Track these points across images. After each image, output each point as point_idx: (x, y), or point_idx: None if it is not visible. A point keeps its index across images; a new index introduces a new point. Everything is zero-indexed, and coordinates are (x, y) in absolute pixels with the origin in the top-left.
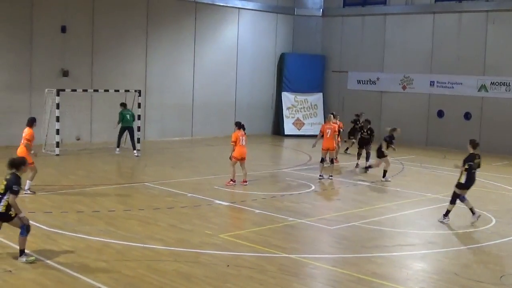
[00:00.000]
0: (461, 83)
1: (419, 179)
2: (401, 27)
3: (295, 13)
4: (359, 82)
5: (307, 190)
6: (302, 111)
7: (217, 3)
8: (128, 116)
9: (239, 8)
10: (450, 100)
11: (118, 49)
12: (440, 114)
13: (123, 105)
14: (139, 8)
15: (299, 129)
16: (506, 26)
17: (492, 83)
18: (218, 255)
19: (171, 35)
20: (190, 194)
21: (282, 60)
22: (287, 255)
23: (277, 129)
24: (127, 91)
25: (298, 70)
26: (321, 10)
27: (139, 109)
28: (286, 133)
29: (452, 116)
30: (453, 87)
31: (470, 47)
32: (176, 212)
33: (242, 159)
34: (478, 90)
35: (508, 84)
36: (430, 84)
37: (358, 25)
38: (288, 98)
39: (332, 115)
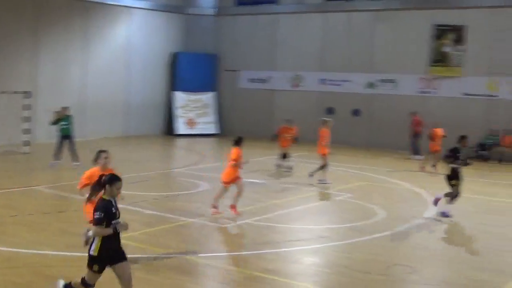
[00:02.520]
0: (350, 81)
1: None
2: (292, 26)
3: (188, 12)
4: (251, 81)
5: (199, 190)
6: (195, 110)
7: (107, 2)
8: (65, 124)
9: (130, 7)
10: (339, 97)
11: (6, 50)
12: (330, 111)
13: (60, 112)
14: (28, 8)
15: (191, 129)
16: (393, 25)
17: (379, 80)
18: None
19: (62, 35)
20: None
21: (174, 59)
22: (180, 255)
23: (169, 129)
24: (15, 92)
25: (191, 69)
26: (214, 9)
27: (28, 110)
28: (178, 132)
29: (341, 113)
30: (342, 85)
31: (359, 45)
32: (67, 216)
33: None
34: (366, 87)
35: (394, 81)
36: (320, 82)
37: (251, 24)
38: (180, 97)
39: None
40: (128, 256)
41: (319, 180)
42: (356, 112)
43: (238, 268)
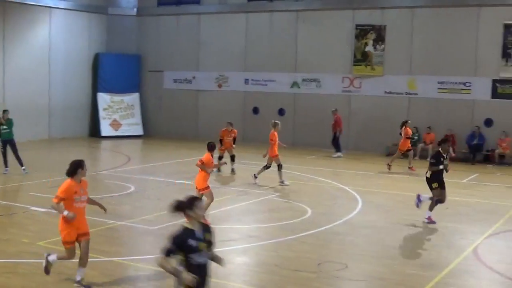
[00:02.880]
0: (275, 80)
1: (237, 175)
2: (215, 26)
3: (109, 13)
4: (175, 81)
5: (127, 192)
6: (119, 111)
7: (27, 2)
8: (6, 128)
9: (50, 7)
10: (264, 97)
11: None
12: (256, 111)
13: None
14: None
15: (116, 130)
16: (315, 25)
17: (303, 80)
18: (37, 264)
19: None
20: (4, 202)
21: (96, 61)
22: (109, 259)
23: (94, 131)
24: None
25: (114, 70)
26: (135, 9)
27: None
28: (103, 134)
29: (267, 113)
30: (267, 84)
31: (282, 45)
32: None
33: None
34: (291, 87)
35: (318, 81)
36: (245, 82)
37: (173, 24)
38: (104, 99)
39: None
40: (56, 260)
41: (280, 182)
42: (281, 112)
43: None
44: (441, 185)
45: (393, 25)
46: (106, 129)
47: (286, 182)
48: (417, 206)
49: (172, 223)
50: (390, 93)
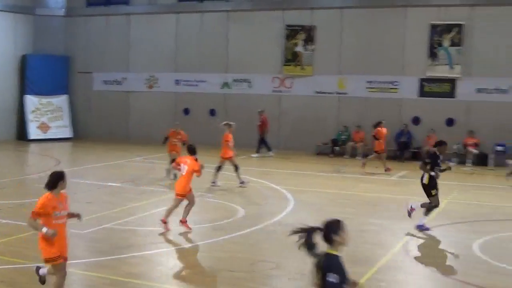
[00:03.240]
0: (206, 81)
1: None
2: (145, 26)
3: (36, 13)
4: (105, 82)
5: None
6: (48, 114)
7: None
8: None
9: None
10: (195, 97)
11: None
12: (187, 111)
13: None
14: None
15: (45, 133)
16: (246, 26)
17: (234, 80)
18: None
19: None
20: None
21: (24, 62)
22: (38, 264)
23: (21, 134)
24: None
25: (41, 72)
26: (64, 9)
27: None
28: (31, 137)
29: (198, 113)
30: (198, 85)
31: (212, 45)
32: None
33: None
34: (222, 87)
35: (249, 81)
36: (176, 83)
37: (102, 25)
38: (31, 101)
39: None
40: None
41: (212, 183)
42: (212, 112)
43: (101, 274)
44: (438, 191)
45: (323, 26)
46: (34, 132)
47: (218, 183)
48: (409, 215)
49: (102, 226)
50: (320, 92)
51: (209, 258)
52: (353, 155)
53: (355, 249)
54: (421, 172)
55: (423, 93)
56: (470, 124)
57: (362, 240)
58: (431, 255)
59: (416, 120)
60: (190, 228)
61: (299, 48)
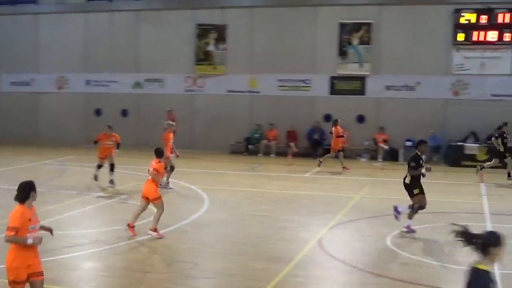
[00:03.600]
0: (117, 81)
1: (83, 179)
2: (54, 26)
3: None
4: (13, 84)
5: None
6: None
7: None
8: None
9: None
10: (107, 98)
11: None
12: (98, 112)
13: None
14: None
15: None
16: (157, 25)
17: (146, 80)
18: None
19: None
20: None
21: None
22: None
23: None
24: None
25: None
26: None
27: None
28: None
29: (109, 114)
30: (109, 85)
31: (123, 45)
32: None
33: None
34: (133, 87)
35: (161, 81)
36: (86, 83)
37: (9, 25)
38: None
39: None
40: None
41: (166, 183)
42: (124, 113)
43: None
44: (421, 190)
45: (234, 25)
46: None
47: (170, 186)
48: (397, 218)
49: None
50: (232, 91)
51: (124, 260)
52: (266, 153)
53: (272, 246)
54: (332, 167)
55: (334, 90)
56: (380, 120)
57: (278, 237)
58: (346, 249)
59: (328, 118)
60: (162, 236)
61: (211, 48)
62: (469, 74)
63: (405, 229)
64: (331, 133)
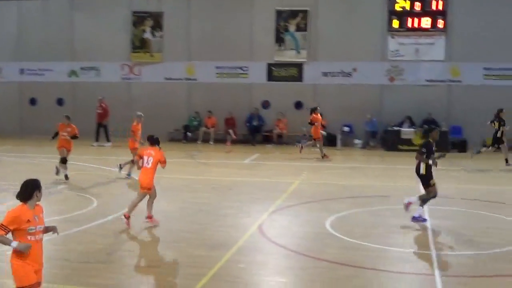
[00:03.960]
0: (52, 70)
1: (18, 169)
2: None
3: None
4: None
5: None
6: None
7: None
8: None
9: None
10: (42, 87)
11: None
12: (33, 101)
13: None
14: None
15: None
16: (91, 13)
17: (82, 68)
18: None
19: None
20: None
21: None
22: None
23: None
24: None
25: None
26: None
27: None
28: None
29: (45, 103)
30: (44, 74)
31: (57, 33)
32: None
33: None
34: (69, 76)
35: (97, 69)
36: (20, 72)
37: None
38: None
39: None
40: None
41: (127, 174)
42: (60, 102)
43: None
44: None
45: (171, 12)
46: None
47: (127, 175)
48: (407, 209)
49: None
50: (170, 79)
51: (63, 251)
52: (205, 140)
53: (213, 233)
54: (271, 154)
55: (271, 77)
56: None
57: (219, 223)
58: (286, 234)
59: (266, 104)
60: (157, 222)
61: (147, 35)
62: (404, 60)
63: (416, 220)
64: (310, 123)
